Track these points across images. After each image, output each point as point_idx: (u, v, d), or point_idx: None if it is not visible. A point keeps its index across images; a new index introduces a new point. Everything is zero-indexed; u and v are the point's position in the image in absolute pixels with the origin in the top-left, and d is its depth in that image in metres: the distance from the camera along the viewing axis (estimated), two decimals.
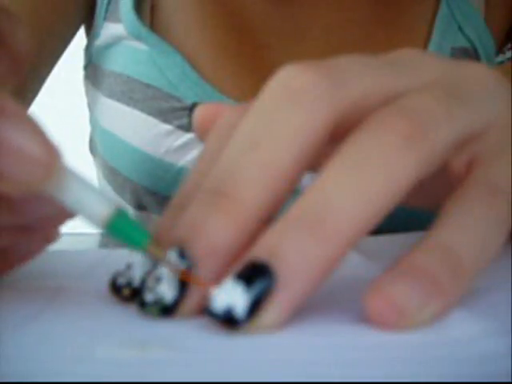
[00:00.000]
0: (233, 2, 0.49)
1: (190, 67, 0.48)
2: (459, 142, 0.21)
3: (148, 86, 0.48)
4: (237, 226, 0.19)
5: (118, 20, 0.50)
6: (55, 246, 0.25)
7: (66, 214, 0.22)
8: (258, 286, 0.18)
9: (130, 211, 0.53)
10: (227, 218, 0.19)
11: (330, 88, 0.20)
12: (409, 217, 0.36)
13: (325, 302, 0.21)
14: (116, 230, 0.20)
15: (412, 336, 0.17)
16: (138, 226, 0.20)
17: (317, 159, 0.20)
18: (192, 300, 0.19)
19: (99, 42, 0.51)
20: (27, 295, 0.23)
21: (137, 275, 0.21)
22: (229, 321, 0.18)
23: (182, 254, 0.19)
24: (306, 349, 0.17)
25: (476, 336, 0.17)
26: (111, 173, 0.52)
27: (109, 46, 0.51)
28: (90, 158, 0.58)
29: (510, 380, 0.14)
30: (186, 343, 0.17)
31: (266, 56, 0.49)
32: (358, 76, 0.21)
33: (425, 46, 0.50)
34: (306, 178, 0.21)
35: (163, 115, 0.48)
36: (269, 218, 0.20)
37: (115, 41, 0.50)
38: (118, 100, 0.50)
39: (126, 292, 0.21)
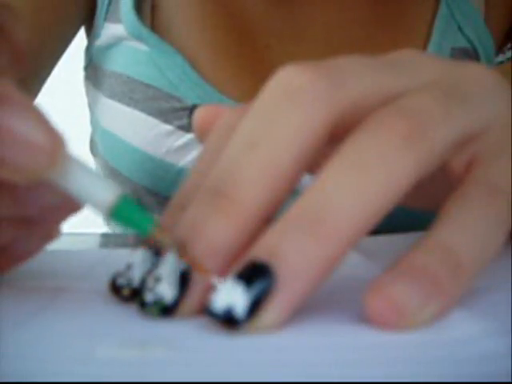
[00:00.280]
0: (233, 2, 0.49)
1: (191, 67, 0.48)
2: (458, 142, 0.21)
3: (148, 86, 0.48)
4: (237, 226, 0.19)
5: (118, 20, 0.50)
6: (55, 246, 0.25)
7: (70, 207, 0.22)
8: (258, 286, 0.18)
9: None
10: (227, 219, 0.19)
11: (329, 88, 0.20)
12: (409, 217, 0.36)
13: (325, 301, 0.21)
14: (121, 216, 0.19)
15: (412, 336, 0.17)
16: (143, 211, 0.19)
17: (316, 160, 0.21)
18: (192, 300, 0.19)
19: (100, 42, 0.51)
20: (27, 295, 0.23)
21: (136, 275, 0.21)
22: (229, 321, 0.18)
23: (181, 256, 0.19)
24: (306, 349, 0.17)
25: (476, 336, 0.17)
26: (112, 173, 0.52)
27: (109, 46, 0.51)
28: (90, 158, 0.58)
29: (510, 380, 0.14)
30: (186, 343, 0.17)
31: (267, 56, 0.49)
32: (357, 76, 0.21)
33: (424, 46, 0.50)
34: (306, 179, 0.21)
35: (164, 115, 0.48)
36: (269, 218, 0.20)
37: (116, 41, 0.50)
38: (119, 100, 0.50)
39: (126, 292, 0.21)
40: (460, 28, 0.51)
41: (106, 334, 0.18)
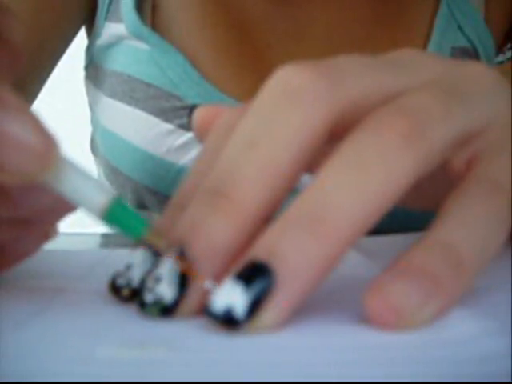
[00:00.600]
0: (233, 2, 0.49)
1: (191, 66, 0.48)
2: (458, 141, 0.21)
3: (149, 85, 0.48)
4: (236, 226, 0.19)
5: (119, 20, 0.50)
6: (55, 246, 0.25)
7: (65, 208, 0.22)
8: (258, 286, 0.18)
9: None
10: (226, 219, 0.19)
11: (329, 87, 0.20)
12: (409, 217, 0.36)
13: (324, 301, 0.21)
14: (114, 219, 0.20)
15: (412, 336, 0.17)
16: (135, 214, 0.20)
17: (316, 158, 0.20)
18: (192, 299, 0.19)
19: (100, 41, 0.51)
20: (27, 295, 0.23)
21: (136, 276, 0.21)
22: (229, 321, 0.17)
23: (182, 254, 0.19)
24: (306, 349, 0.17)
25: (476, 336, 0.17)
26: (112, 172, 0.52)
27: (110, 45, 0.51)
28: (91, 158, 0.58)
29: (510, 380, 0.14)
30: (186, 343, 0.17)
31: (267, 55, 0.49)
32: (357, 75, 0.21)
33: (425, 45, 0.50)
34: (305, 178, 0.21)
35: (164, 114, 0.48)
36: (268, 217, 0.20)
37: (116, 40, 0.50)
38: (119, 99, 0.50)
39: (126, 292, 0.21)
40: (460, 27, 0.51)
41: (105, 335, 0.18)
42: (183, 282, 0.19)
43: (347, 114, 0.20)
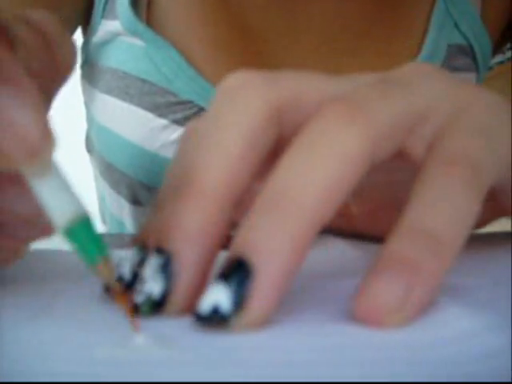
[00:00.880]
0: None
1: (186, 62, 0.48)
2: (403, 122, 0.21)
3: (144, 81, 0.48)
4: (202, 209, 0.20)
5: (115, 17, 0.50)
6: (55, 246, 0.25)
7: (41, 227, 0.22)
8: (237, 280, 0.18)
9: (127, 206, 0.53)
10: (192, 205, 0.20)
11: (266, 81, 0.22)
12: None
13: (324, 301, 0.21)
14: (72, 237, 0.19)
15: (411, 336, 0.17)
16: (98, 240, 0.19)
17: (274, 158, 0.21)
18: (180, 287, 0.20)
19: (96, 39, 0.51)
20: (27, 295, 0.23)
21: (127, 270, 0.21)
22: (217, 318, 0.18)
23: (160, 251, 0.20)
24: (306, 349, 0.17)
25: (477, 332, 0.17)
26: (107, 169, 0.52)
27: (105, 42, 0.51)
28: (85, 156, 0.58)
29: (510, 380, 0.14)
30: (186, 343, 0.17)
31: (264, 51, 0.49)
32: (295, 78, 0.23)
33: (421, 42, 0.50)
34: None
35: (159, 110, 0.48)
36: (238, 199, 0.21)
37: (112, 37, 0.50)
38: (115, 96, 0.50)
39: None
40: (456, 25, 0.51)
41: (105, 335, 0.18)
42: (168, 275, 0.20)
43: (286, 102, 0.22)
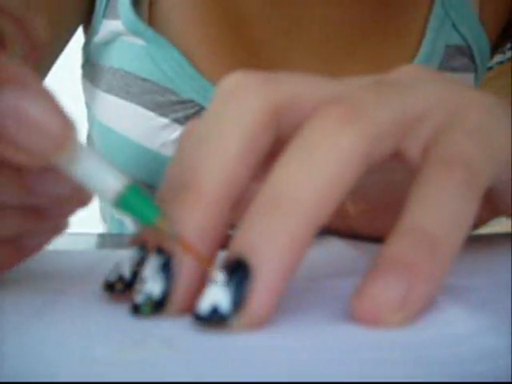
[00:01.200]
0: None
1: (187, 61, 0.48)
2: (400, 123, 0.21)
3: (145, 80, 0.49)
4: (200, 208, 0.20)
5: (116, 17, 0.50)
6: (55, 246, 0.25)
7: (78, 201, 0.22)
8: (236, 280, 0.18)
9: None
10: (191, 206, 0.20)
11: (264, 82, 0.22)
12: None
13: (324, 301, 0.21)
14: (127, 206, 0.20)
15: (412, 336, 0.17)
16: (149, 202, 0.20)
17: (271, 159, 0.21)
18: (180, 287, 0.20)
19: (97, 39, 0.51)
20: (28, 296, 0.23)
21: (127, 270, 0.21)
22: (216, 319, 0.18)
23: (160, 251, 0.20)
24: (306, 349, 0.17)
25: (476, 333, 0.17)
26: None
27: (107, 42, 0.51)
28: None
29: (510, 380, 0.14)
30: (186, 343, 0.17)
31: (263, 51, 0.49)
32: (292, 80, 0.22)
33: (419, 43, 0.50)
34: None
35: (160, 109, 0.48)
36: (237, 200, 0.21)
37: (113, 37, 0.50)
38: (116, 94, 0.50)
39: (119, 286, 0.21)
40: (454, 26, 0.51)
41: (105, 335, 0.18)
42: (168, 274, 0.20)
43: (284, 104, 0.22)
